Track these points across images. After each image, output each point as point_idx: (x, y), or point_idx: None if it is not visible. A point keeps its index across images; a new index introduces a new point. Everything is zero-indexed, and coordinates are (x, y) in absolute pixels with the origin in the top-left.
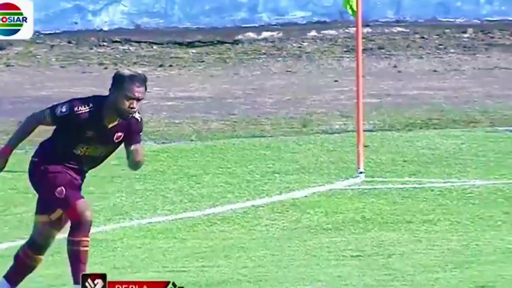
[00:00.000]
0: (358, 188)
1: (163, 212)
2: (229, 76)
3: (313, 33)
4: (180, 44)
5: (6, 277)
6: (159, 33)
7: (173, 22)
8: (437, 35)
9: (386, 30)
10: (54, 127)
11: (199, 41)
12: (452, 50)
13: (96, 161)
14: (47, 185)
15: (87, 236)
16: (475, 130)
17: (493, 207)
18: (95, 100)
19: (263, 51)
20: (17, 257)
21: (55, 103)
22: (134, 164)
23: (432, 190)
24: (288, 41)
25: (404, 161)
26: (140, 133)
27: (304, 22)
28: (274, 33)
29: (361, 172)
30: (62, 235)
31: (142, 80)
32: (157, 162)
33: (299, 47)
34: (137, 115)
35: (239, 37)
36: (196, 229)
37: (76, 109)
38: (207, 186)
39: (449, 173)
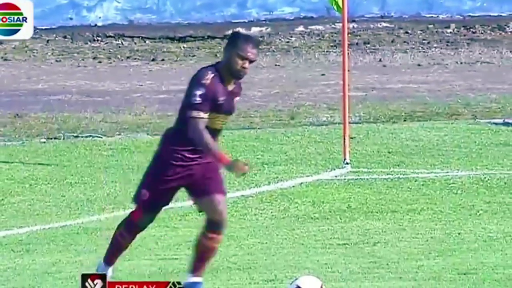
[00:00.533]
0: (344, 179)
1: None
2: None
3: (301, 28)
4: (172, 39)
5: (104, 259)
6: (151, 28)
7: (165, 18)
8: (421, 30)
9: (372, 26)
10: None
11: (190, 36)
12: (435, 45)
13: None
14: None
15: (222, 234)
16: (458, 123)
17: (474, 196)
18: (214, 66)
19: None
20: (114, 237)
21: (50, 95)
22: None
23: (416, 181)
24: (276, 36)
25: (389, 152)
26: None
27: (292, 17)
28: (263, 29)
29: (347, 163)
30: (57, 224)
31: (256, 42)
32: (150, 153)
33: (287, 42)
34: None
35: (229, 32)
36: (187, 218)
37: (205, 81)
38: None
39: (433, 164)
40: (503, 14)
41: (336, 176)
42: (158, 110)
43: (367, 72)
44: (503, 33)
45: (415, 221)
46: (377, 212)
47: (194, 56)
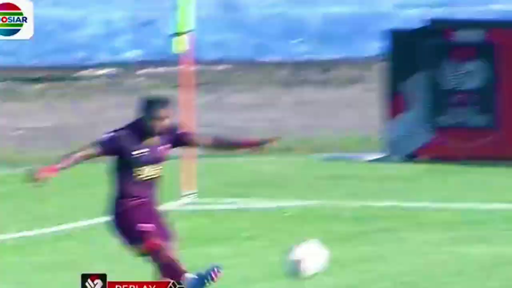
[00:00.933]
0: (188, 208)
1: (14, 230)
2: (70, 109)
3: (146, 70)
4: (28, 80)
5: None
6: (10, 69)
7: (22, 60)
8: (256, 72)
9: (212, 68)
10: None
11: (44, 77)
12: (269, 86)
13: None
14: None
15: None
16: (292, 157)
17: (308, 224)
18: (123, 129)
19: (101, 87)
20: None
21: None
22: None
23: (254, 210)
24: (123, 78)
25: (230, 183)
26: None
27: (138, 60)
28: (111, 70)
29: (190, 194)
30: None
31: (165, 101)
32: (7, 185)
33: (134, 83)
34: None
35: (80, 73)
36: (42, 246)
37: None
38: (53, 206)
39: (270, 195)
40: (330, 58)
41: (180, 206)
42: (13, 146)
43: (208, 110)
44: (330, 75)
45: (254, 248)
46: (219, 239)
47: (47, 95)
